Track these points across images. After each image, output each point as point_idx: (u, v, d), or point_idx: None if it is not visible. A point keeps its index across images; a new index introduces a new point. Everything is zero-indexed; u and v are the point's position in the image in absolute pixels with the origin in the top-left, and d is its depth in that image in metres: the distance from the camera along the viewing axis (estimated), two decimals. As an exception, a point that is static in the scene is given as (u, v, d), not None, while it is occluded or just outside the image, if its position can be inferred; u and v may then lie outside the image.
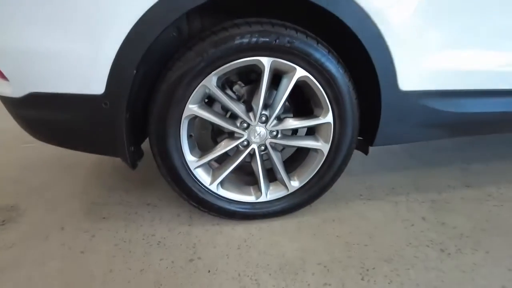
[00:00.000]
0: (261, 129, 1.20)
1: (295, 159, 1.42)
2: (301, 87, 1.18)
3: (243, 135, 1.21)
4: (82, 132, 1.10)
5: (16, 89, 1.03)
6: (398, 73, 1.12)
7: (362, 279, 1.07)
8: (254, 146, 1.23)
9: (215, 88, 1.10)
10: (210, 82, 1.08)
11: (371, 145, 1.29)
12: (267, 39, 1.03)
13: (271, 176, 1.32)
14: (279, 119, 1.23)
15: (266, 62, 1.07)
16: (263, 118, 1.19)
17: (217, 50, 1.03)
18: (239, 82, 1.23)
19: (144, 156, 1.26)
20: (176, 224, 1.31)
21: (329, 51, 1.10)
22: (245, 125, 1.19)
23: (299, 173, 1.31)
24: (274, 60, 1.08)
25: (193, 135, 1.24)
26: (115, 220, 1.33)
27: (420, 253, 1.17)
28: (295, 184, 1.29)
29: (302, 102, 1.31)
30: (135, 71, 0.99)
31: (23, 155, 1.90)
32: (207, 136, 1.33)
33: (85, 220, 1.33)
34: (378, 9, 1.03)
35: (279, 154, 1.30)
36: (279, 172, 1.27)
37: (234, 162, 1.23)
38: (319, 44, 1.08)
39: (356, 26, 1.04)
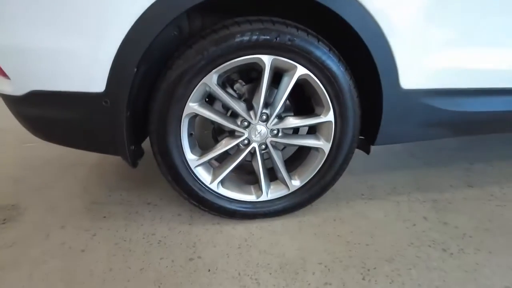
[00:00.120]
0: (261, 128, 1.20)
1: (296, 158, 1.42)
2: (302, 86, 1.18)
3: (243, 133, 1.20)
4: (82, 130, 1.10)
5: (17, 87, 1.03)
6: (399, 71, 1.12)
7: (363, 278, 1.06)
8: (254, 144, 1.22)
9: (216, 86, 1.09)
10: (211, 80, 1.08)
11: (373, 144, 1.29)
12: (268, 37, 1.03)
13: (272, 175, 1.31)
14: (280, 117, 1.23)
15: (266, 60, 1.07)
16: (264, 117, 1.19)
17: (218, 48, 1.02)
18: (240, 81, 1.23)
19: (145, 155, 1.26)
20: (177, 223, 1.31)
21: (330, 49, 1.09)
22: (246, 123, 1.19)
23: (300, 172, 1.31)
24: (274, 58, 1.07)
25: (193, 133, 1.23)
26: (115, 219, 1.33)
27: (422, 253, 1.16)
28: (296, 183, 1.29)
29: (303, 101, 1.31)
30: (135, 70, 0.99)
31: (24, 154, 1.90)
32: (208, 137, 1.33)
33: (85, 219, 1.33)
34: (379, 8, 1.03)
35: (280, 153, 1.30)
36: (280, 171, 1.26)
37: (234, 161, 1.23)
38: (320, 42, 1.07)
39: (358, 25, 1.03)
